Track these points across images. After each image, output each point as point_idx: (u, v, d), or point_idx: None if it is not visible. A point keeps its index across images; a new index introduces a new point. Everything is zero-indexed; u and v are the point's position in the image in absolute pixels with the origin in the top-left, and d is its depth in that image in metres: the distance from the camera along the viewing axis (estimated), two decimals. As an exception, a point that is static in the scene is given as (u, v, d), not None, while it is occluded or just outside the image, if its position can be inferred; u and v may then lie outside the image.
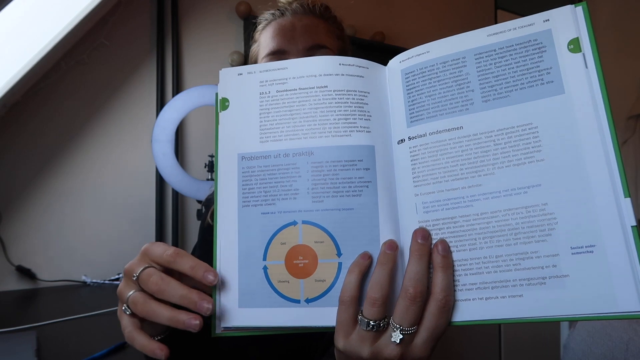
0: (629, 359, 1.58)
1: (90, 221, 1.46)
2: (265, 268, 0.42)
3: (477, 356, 2.39)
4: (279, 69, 0.46)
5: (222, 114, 0.47)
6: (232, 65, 1.68)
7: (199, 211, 1.53)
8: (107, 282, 1.40)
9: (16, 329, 0.93)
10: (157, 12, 1.58)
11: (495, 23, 2.56)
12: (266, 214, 0.43)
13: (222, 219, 0.44)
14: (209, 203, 0.88)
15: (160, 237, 1.54)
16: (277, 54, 0.69)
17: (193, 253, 0.94)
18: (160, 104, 1.56)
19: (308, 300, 0.41)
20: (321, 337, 0.70)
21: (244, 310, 0.42)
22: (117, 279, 1.39)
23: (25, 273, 1.35)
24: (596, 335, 1.70)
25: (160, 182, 1.55)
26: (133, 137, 1.54)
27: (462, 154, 0.40)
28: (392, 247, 0.39)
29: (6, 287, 1.34)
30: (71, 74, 1.44)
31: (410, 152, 0.42)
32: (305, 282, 0.41)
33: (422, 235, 0.39)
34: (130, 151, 1.53)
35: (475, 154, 0.40)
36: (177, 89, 1.59)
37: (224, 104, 0.47)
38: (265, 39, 0.72)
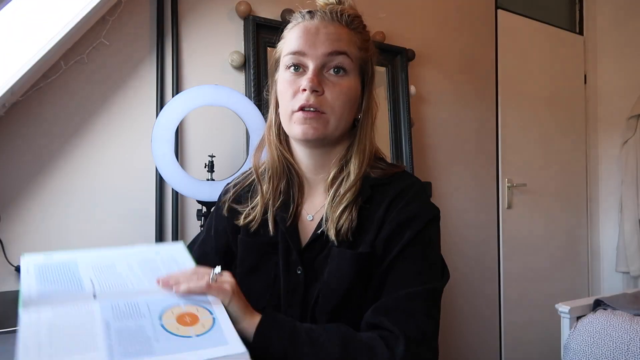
0: (629, 360, 1.57)
1: (90, 221, 1.46)
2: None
3: (478, 356, 2.39)
4: None
5: None
6: (232, 65, 1.68)
7: (199, 211, 1.53)
8: (106, 282, 1.40)
9: (16, 329, 0.93)
10: (157, 12, 1.58)
11: (496, 23, 2.56)
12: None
13: None
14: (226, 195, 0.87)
15: (160, 237, 1.53)
16: (298, 54, 0.73)
17: (193, 244, 0.93)
18: (160, 104, 1.55)
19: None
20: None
21: None
22: (117, 279, 1.39)
23: (24, 273, 1.35)
24: (597, 335, 1.70)
25: (160, 182, 1.55)
26: (133, 137, 1.53)
27: None
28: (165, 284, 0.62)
29: (6, 287, 1.34)
30: (71, 74, 1.44)
31: None
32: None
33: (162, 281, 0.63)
34: (130, 151, 1.53)
35: None
36: (177, 89, 1.59)
37: None
38: (290, 38, 0.75)
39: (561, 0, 3.03)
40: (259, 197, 0.80)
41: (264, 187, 0.79)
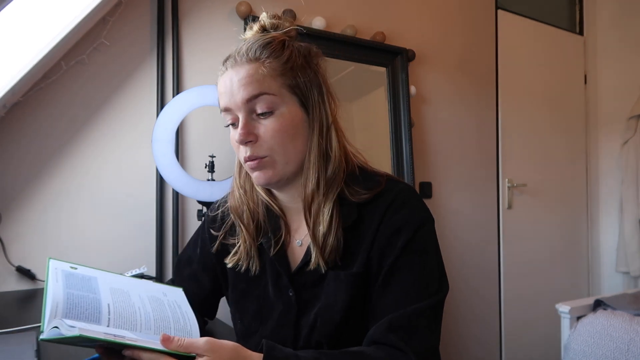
0: (629, 360, 1.57)
1: (91, 221, 1.46)
2: None
3: (479, 356, 2.39)
4: None
5: None
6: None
7: (199, 211, 1.53)
8: (107, 282, 1.40)
9: (16, 329, 0.93)
10: (157, 12, 1.58)
11: (496, 23, 2.56)
12: None
13: None
14: (220, 214, 0.85)
15: (160, 237, 1.54)
16: (226, 112, 0.73)
17: (182, 256, 0.93)
18: (160, 104, 1.56)
19: None
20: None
21: None
22: (117, 279, 1.39)
23: (25, 273, 1.35)
24: (597, 335, 1.70)
25: (160, 182, 1.55)
26: (133, 137, 1.53)
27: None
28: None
29: (6, 287, 1.34)
30: (71, 74, 1.44)
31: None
32: None
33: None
34: (130, 151, 1.53)
35: None
36: (177, 89, 1.59)
37: None
38: (219, 94, 0.75)
39: (561, 0, 3.03)
40: (240, 239, 0.80)
41: (244, 230, 0.79)
